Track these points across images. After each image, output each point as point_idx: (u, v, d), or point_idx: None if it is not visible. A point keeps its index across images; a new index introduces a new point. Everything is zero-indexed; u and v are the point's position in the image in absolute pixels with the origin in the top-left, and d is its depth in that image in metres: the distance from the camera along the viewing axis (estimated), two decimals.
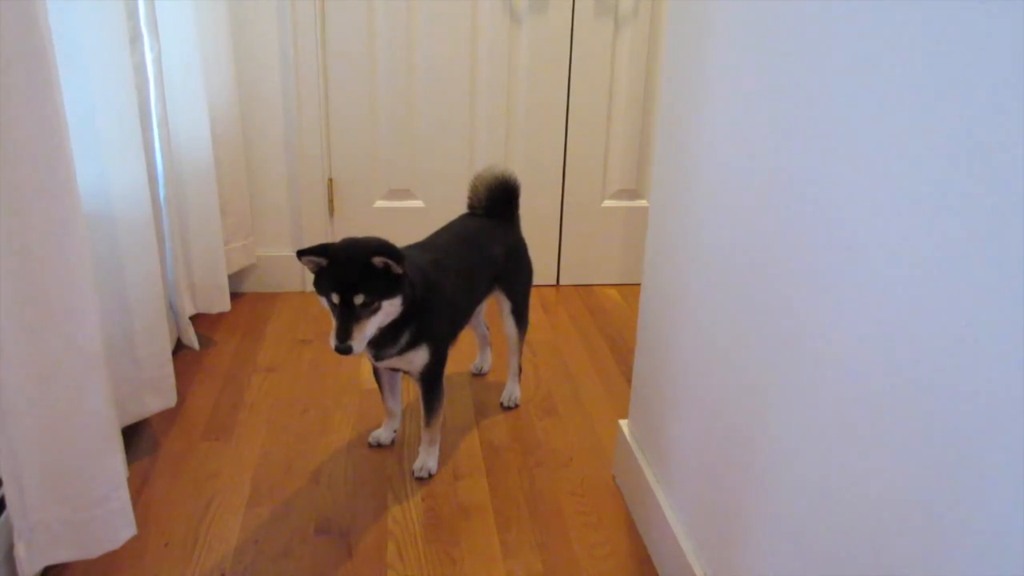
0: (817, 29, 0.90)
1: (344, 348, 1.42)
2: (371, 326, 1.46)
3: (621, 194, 2.77)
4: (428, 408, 1.71)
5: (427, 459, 1.74)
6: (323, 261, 1.45)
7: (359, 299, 1.42)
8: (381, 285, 1.45)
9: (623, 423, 1.71)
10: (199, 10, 2.10)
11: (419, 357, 1.63)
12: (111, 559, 1.38)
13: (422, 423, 1.74)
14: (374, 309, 1.45)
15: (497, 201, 1.89)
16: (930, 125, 0.72)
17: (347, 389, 2.07)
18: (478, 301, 1.90)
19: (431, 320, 1.60)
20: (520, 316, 1.95)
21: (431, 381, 1.69)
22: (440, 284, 1.63)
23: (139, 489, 1.64)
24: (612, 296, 2.76)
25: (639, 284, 1.61)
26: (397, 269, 1.45)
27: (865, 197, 0.82)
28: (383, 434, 1.84)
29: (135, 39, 1.72)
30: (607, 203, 2.76)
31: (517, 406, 2.02)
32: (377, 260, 1.43)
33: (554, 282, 2.83)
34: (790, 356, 0.98)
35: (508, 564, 1.49)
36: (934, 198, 0.71)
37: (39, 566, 1.29)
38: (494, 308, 1.97)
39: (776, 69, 1.00)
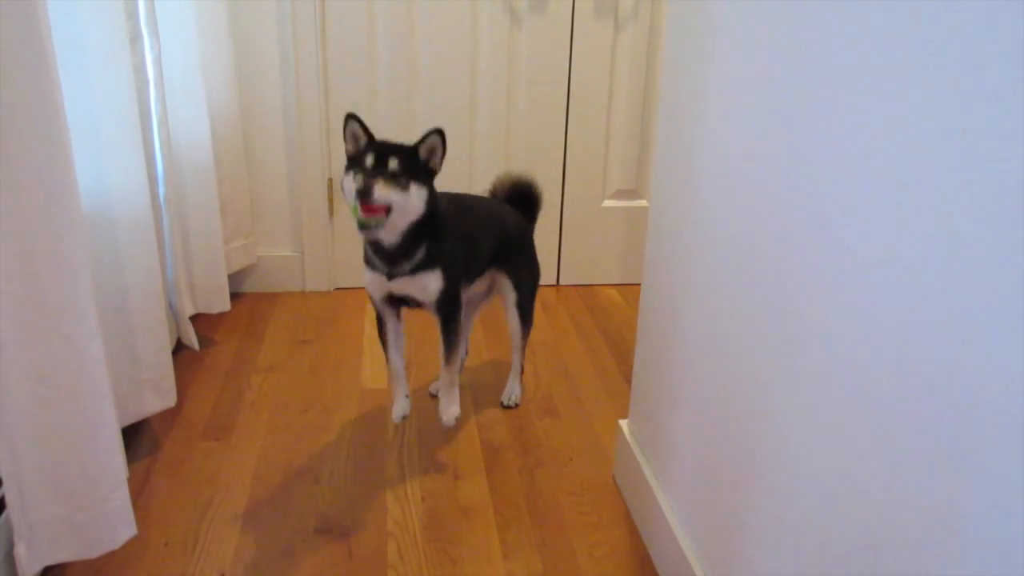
0: (817, 28, 0.90)
1: (366, 187, 1.41)
2: (395, 197, 1.46)
3: (621, 194, 2.76)
4: (447, 343, 1.69)
5: (448, 404, 1.71)
6: (366, 137, 1.51)
7: (394, 162, 1.45)
8: (418, 168, 1.49)
9: (623, 423, 1.71)
10: (199, 10, 2.10)
11: (433, 282, 1.61)
12: (111, 559, 1.38)
13: (441, 363, 1.71)
14: (403, 185, 1.46)
15: (517, 201, 1.95)
16: (933, 123, 0.72)
17: (347, 389, 2.07)
18: (486, 258, 1.85)
19: (446, 243, 1.61)
20: (525, 312, 1.94)
21: (447, 313, 1.67)
22: (457, 219, 1.67)
23: (139, 489, 1.64)
24: (612, 296, 2.76)
25: (639, 284, 1.61)
26: (438, 164, 1.52)
27: (866, 196, 0.82)
28: (399, 407, 1.74)
29: (135, 39, 1.72)
30: (607, 203, 2.76)
31: (518, 405, 2.02)
32: (430, 141, 1.49)
33: (554, 282, 2.83)
34: (790, 356, 0.98)
35: (508, 564, 1.49)
36: (937, 196, 0.71)
37: (39, 566, 1.29)
38: (496, 308, 1.97)
39: (776, 68, 1.00)
